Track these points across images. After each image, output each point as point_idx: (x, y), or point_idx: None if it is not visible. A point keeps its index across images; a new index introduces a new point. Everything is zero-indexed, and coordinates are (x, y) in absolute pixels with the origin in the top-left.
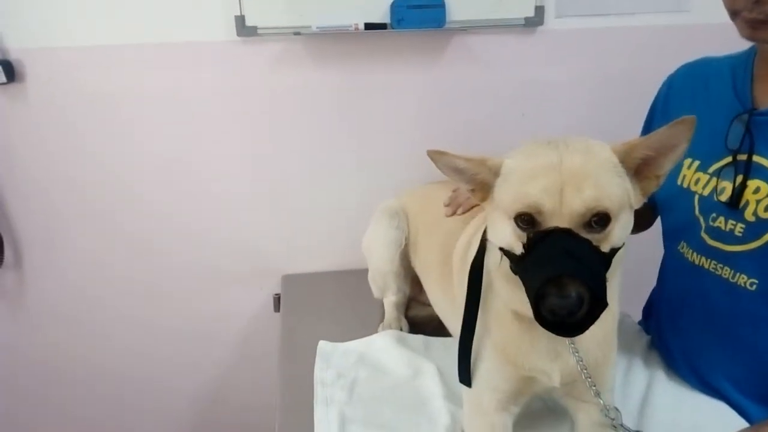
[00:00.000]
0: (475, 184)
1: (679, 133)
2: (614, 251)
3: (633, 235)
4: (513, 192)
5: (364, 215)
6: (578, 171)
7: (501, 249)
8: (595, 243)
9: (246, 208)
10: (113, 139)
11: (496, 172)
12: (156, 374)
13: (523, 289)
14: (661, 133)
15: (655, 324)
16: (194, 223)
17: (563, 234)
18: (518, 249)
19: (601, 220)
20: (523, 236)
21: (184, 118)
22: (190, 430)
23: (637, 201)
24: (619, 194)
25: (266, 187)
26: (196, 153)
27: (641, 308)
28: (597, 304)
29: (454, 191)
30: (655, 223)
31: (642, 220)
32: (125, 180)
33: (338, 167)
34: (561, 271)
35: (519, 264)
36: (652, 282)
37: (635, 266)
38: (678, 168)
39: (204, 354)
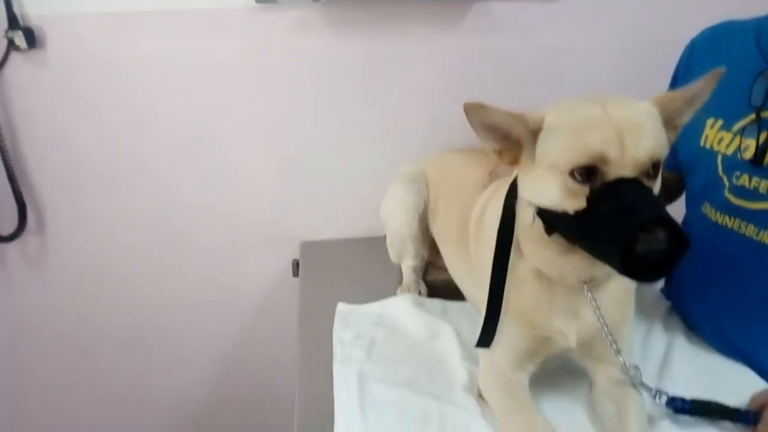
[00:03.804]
0: (506, 143)
1: (708, 85)
2: None
3: None
4: (566, 145)
5: (383, 183)
6: (631, 121)
7: (541, 210)
8: None
9: (265, 176)
10: (130, 107)
11: (535, 128)
12: (178, 331)
13: (550, 249)
14: (697, 87)
15: (677, 288)
16: (214, 190)
17: (632, 183)
18: (571, 206)
19: (655, 168)
20: (581, 190)
21: (203, 85)
22: (213, 382)
23: (666, 154)
24: (665, 142)
25: (285, 155)
26: (214, 121)
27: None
28: (681, 244)
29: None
30: None
31: (673, 191)
32: (143, 147)
33: (357, 135)
34: (650, 215)
35: (576, 220)
36: None
37: None
38: (700, 128)
39: (225, 314)
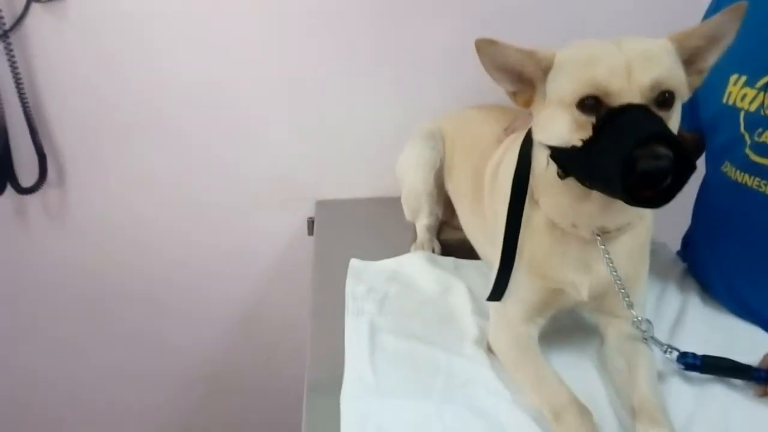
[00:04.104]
0: (520, 83)
1: (730, 21)
2: None
3: None
4: (574, 77)
5: (399, 142)
6: (642, 52)
7: (552, 151)
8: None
9: (281, 134)
10: (147, 60)
11: (546, 66)
12: (196, 287)
13: (564, 194)
14: (714, 21)
15: (693, 249)
16: (230, 149)
17: (638, 108)
18: (579, 137)
19: (668, 99)
20: (588, 122)
21: (218, 40)
22: (228, 339)
23: (686, 95)
24: (680, 77)
25: (301, 113)
26: (231, 78)
27: (679, 240)
28: (685, 166)
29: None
30: None
31: (695, 153)
32: (163, 101)
33: (374, 93)
34: (649, 131)
35: (583, 151)
36: (688, 215)
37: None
38: (723, 85)
39: (241, 272)
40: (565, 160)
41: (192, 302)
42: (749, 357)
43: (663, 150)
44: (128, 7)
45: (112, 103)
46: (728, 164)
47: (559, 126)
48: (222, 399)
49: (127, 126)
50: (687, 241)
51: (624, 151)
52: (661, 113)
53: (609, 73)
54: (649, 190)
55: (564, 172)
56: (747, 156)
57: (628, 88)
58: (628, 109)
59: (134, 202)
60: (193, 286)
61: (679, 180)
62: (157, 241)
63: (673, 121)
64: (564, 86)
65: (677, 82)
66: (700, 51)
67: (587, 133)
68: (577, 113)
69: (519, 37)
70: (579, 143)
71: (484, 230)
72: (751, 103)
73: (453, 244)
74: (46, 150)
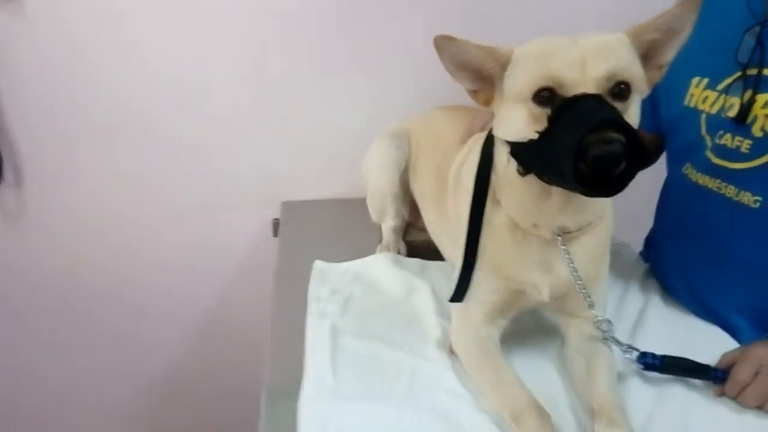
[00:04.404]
0: (480, 81)
1: (686, 13)
2: None
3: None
4: (529, 71)
5: (366, 143)
6: (597, 45)
7: (512, 147)
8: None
9: (247, 134)
10: (114, 59)
11: (505, 62)
12: (159, 287)
13: (524, 192)
14: (669, 13)
15: (655, 250)
16: (197, 145)
17: (592, 98)
18: (534, 132)
19: (623, 91)
20: (543, 114)
21: (186, 39)
22: (191, 340)
23: (645, 89)
24: (637, 70)
25: (268, 113)
26: (196, 75)
27: (642, 241)
28: (638, 154)
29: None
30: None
31: (654, 154)
32: (126, 104)
33: (341, 94)
34: (599, 117)
35: (541, 142)
36: (652, 216)
37: (637, 199)
38: (685, 87)
39: (207, 272)
40: (524, 155)
41: (155, 302)
42: (709, 357)
43: (614, 135)
44: (95, 5)
45: (79, 103)
46: (689, 166)
47: (517, 120)
48: (185, 400)
49: (94, 126)
50: (649, 241)
51: (576, 138)
52: (617, 104)
53: (564, 66)
54: (601, 177)
55: (524, 169)
56: (708, 158)
57: (583, 80)
58: (582, 98)
59: (102, 202)
60: (156, 286)
61: (631, 167)
62: (125, 241)
63: (631, 113)
64: (520, 81)
65: (633, 74)
66: (658, 45)
67: (543, 125)
68: (533, 106)
69: (489, 37)
70: (535, 136)
71: (448, 231)
72: (712, 105)
73: (419, 246)
74: (4, 153)
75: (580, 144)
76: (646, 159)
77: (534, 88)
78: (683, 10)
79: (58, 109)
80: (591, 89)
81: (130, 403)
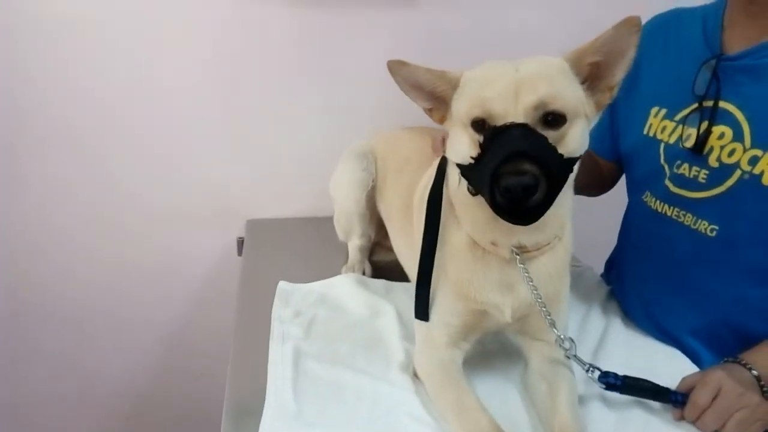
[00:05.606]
0: (434, 101)
1: (624, 34)
2: (571, 161)
3: (597, 197)
4: (468, 98)
5: (333, 161)
6: (532, 74)
7: (459, 167)
8: (551, 141)
9: (212, 151)
10: (63, 71)
11: (455, 85)
12: (117, 308)
13: (479, 210)
14: (606, 35)
15: (616, 273)
16: (160, 163)
17: (519, 127)
18: (470, 158)
19: (555, 119)
20: (477, 140)
21: (145, 51)
22: (151, 362)
23: (592, 112)
24: (573, 98)
25: (232, 131)
26: (157, 92)
27: (604, 264)
28: (552, 185)
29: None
30: (619, 184)
31: (607, 180)
32: (79, 116)
33: (305, 112)
34: (513, 148)
35: (474, 168)
36: (616, 240)
37: (599, 223)
38: (645, 117)
39: (165, 290)
40: (467, 177)
41: (110, 325)
42: (669, 380)
43: (526, 166)
44: (42, 14)
45: (25, 115)
46: (649, 194)
47: (460, 144)
48: (147, 424)
49: (41, 139)
50: (611, 264)
51: (492, 167)
52: (549, 132)
53: (496, 95)
54: (514, 207)
55: (473, 189)
56: (667, 187)
57: (513, 110)
58: (510, 128)
59: (50, 217)
60: (114, 307)
61: (546, 198)
62: (76, 258)
63: (568, 140)
64: (462, 106)
65: (568, 101)
66: (603, 66)
67: (477, 151)
68: (471, 132)
69: (451, 56)
70: (472, 160)
71: (413, 250)
72: (670, 135)
73: (384, 266)
74: None
75: (494, 173)
76: (558, 188)
77: (470, 116)
78: (620, 32)
79: (3, 121)
80: (520, 118)
81: (89, 428)
